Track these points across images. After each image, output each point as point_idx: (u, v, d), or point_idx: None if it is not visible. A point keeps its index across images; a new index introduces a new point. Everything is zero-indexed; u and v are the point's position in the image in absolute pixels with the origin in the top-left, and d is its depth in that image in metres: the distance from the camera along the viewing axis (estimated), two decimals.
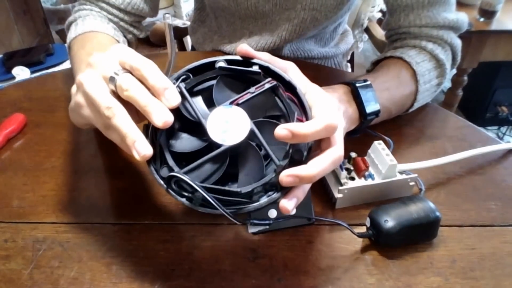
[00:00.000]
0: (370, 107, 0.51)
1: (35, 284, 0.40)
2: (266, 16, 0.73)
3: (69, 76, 0.77)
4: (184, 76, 0.37)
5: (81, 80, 0.36)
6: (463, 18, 0.62)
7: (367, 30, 1.12)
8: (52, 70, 1.18)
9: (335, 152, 0.35)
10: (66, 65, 1.21)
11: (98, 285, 0.40)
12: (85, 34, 0.61)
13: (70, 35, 0.63)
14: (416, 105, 0.60)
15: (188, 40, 1.20)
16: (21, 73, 1.13)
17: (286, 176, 0.33)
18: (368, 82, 0.52)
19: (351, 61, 1.11)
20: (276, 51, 0.79)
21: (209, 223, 0.46)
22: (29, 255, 0.43)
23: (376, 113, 0.52)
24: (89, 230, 0.45)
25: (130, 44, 0.71)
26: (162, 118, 0.33)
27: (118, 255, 0.43)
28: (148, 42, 2.43)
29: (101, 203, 0.49)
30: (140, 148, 0.33)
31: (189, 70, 0.38)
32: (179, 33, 1.13)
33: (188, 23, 0.45)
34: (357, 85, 0.51)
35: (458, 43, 0.62)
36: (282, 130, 0.32)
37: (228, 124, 0.34)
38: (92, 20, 0.63)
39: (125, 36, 0.69)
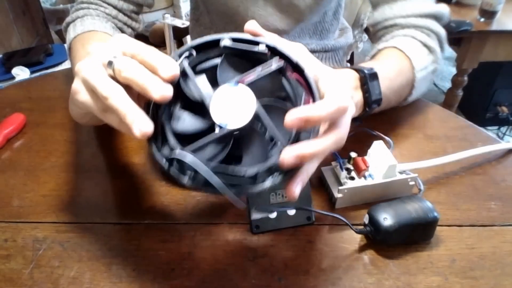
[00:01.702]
0: (375, 96, 0.51)
1: (35, 283, 0.40)
2: (238, 11, 0.75)
3: (69, 76, 0.77)
4: (187, 53, 0.35)
5: (79, 67, 0.35)
6: (444, 9, 0.64)
7: (367, 30, 1.12)
8: (52, 70, 1.18)
9: (339, 133, 0.34)
10: (65, 65, 1.21)
11: (98, 285, 0.40)
12: (85, 34, 0.61)
13: (69, 36, 0.63)
14: (414, 94, 0.61)
15: (188, 40, 1.20)
16: (20, 73, 1.13)
17: (288, 156, 0.31)
18: (375, 71, 0.52)
19: (351, 61, 1.11)
20: None
21: (209, 222, 0.46)
22: (29, 254, 0.43)
23: (378, 102, 0.52)
24: (89, 230, 0.45)
25: None
26: (160, 91, 0.31)
27: (118, 255, 0.43)
28: (148, 42, 2.43)
29: (101, 203, 0.49)
30: (140, 124, 0.31)
31: (193, 47, 0.36)
32: (179, 33, 1.13)
33: (187, 23, 0.45)
34: (366, 72, 0.51)
35: (443, 32, 0.64)
36: (292, 120, 0.30)
37: (233, 104, 0.33)
38: (90, 20, 0.63)
39: (123, 33, 0.69)
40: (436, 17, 0.63)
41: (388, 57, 0.59)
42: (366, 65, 0.54)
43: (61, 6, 1.91)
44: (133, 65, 0.33)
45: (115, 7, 0.67)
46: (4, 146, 0.57)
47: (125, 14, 0.69)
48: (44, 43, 1.69)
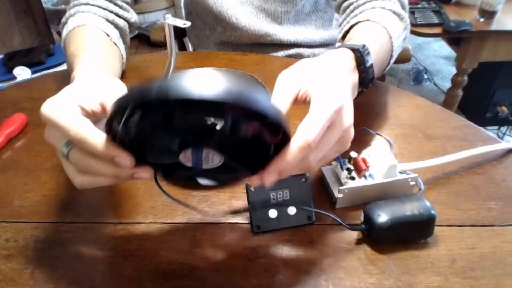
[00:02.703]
0: (370, 75, 0.50)
1: (36, 283, 0.40)
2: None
3: (70, 77, 0.77)
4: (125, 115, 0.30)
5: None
6: None
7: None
8: (53, 70, 1.18)
9: (301, 139, 0.33)
10: (66, 65, 1.21)
11: (99, 285, 0.40)
12: (75, 30, 0.61)
13: (63, 36, 0.63)
14: (391, 62, 0.61)
15: (188, 41, 1.21)
16: (22, 73, 1.12)
17: (268, 176, 0.34)
18: (368, 49, 0.50)
19: None
20: (277, 39, 0.81)
21: (210, 222, 0.46)
22: (30, 254, 0.43)
23: (372, 81, 0.51)
24: (90, 229, 0.45)
25: (123, 33, 0.69)
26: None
27: (119, 255, 0.43)
28: (149, 42, 2.43)
29: (102, 202, 0.49)
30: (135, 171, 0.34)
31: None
32: (180, 33, 1.13)
33: (189, 23, 0.45)
34: (362, 52, 0.49)
35: (406, 1, 0.65)
36: (255, 182, 0.34)
37: (204, 151, 0.34)
38: (81, 15, 0.64)
39: (116, 26, 0.67)
40: None
41: (367, 31, 0.57)
42: (357, 41, 0.51)
43: (63, 6, 1.91)
44: (89, 167, 0.34)
45: None
46: (6, 146, 0.57)
47: (116, 4, 0.68)
48: (46, 43, 1.69)
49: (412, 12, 1.60)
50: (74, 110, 0.35)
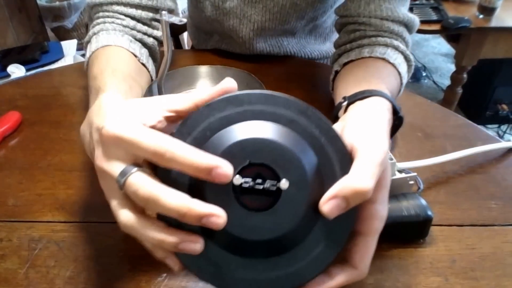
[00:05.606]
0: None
1: (31, 283, 0.40)
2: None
3: (65, 74, 0.76)
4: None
5: (98, 175, 0.32)
6: (415, 19, 0.61)
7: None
8: (48, 68, 1.17)
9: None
10: (61, 63, 1.20)
11: (94, 285, 0.40)
12: (98, 51, 0.56)
13: (86, 57, 0.58)
14: None
15: (185, 38, 1.20)
16: (16, 71, 1.11)
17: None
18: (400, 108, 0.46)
19: None
20: (275, 48, 0.79)
21: None
22: (24, 254, 0.42)
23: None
24: (85, 229, 0.45)
25: (152, 51, 0.65)
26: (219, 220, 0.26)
27: (114, 254, 0.42)
28: None
29: (98, 201, 0.48)
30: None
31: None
32: (175, 30, 1.12)
33: (185, 20, 0.44)
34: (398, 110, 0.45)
35: (411, 42, 0.61)
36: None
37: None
38: (105, 35, 0.58)
39: (145, 45, 0.63)
40: (407, 26, 0.60)
41: (389, 74, 0.54)
42: (382, 88, 0.46)
43: (57, 3, 1.89)
44: (147, 191, 0.27)
45: (133, 18, 0.62)
46: (0, 144, 0.57)
47: (144, 24, 0.63)
48: (40, 41, 1.68)
49: (410, 9, 1.59)
50: (141, 125, 0.29)
